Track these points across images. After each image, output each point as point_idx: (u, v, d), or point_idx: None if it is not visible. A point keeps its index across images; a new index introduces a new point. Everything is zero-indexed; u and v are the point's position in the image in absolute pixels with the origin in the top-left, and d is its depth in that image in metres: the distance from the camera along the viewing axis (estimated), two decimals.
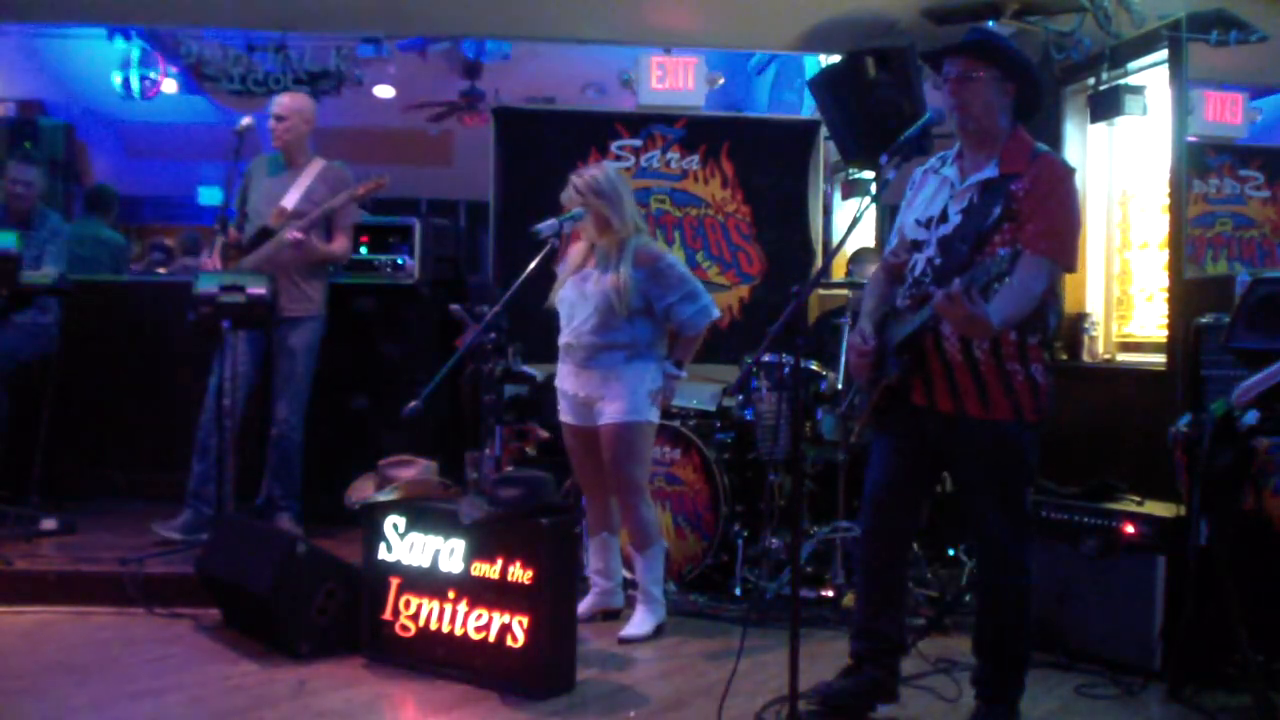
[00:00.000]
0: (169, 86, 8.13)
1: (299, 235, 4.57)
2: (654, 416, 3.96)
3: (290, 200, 4.71)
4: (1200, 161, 4.92)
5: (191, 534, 4.49)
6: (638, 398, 3.87)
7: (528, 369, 4.45)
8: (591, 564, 4.16)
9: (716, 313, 3.98)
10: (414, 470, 3.80)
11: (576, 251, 4.04)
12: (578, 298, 3.93)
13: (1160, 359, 4.56)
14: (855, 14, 5.53)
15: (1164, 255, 4.68)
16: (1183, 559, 3.39)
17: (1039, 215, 2.88)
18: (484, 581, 3.44)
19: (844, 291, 4.97)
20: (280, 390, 4.75)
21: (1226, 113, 4.96)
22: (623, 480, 3.95)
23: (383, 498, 3.71)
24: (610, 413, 3.88)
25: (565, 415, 4.04)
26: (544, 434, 4.51)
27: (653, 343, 3.94)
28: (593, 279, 3.91)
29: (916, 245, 3.09)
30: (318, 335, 4.82)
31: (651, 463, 4.48)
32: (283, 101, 4.83)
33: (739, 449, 4.70)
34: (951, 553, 4.69)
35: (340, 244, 4.80)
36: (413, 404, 3.67)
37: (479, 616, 3.45)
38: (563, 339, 3.99)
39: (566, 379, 3.99)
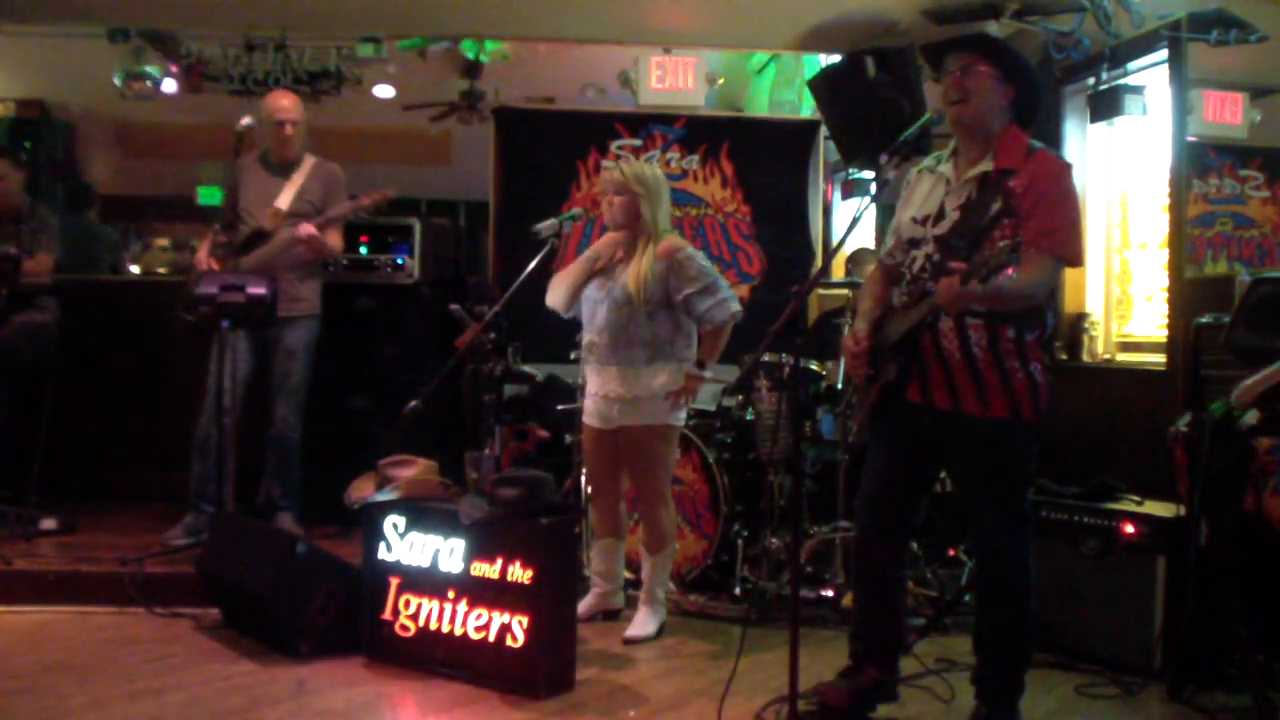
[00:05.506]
0: (169, 86, 8.12)
1: (313, 230, 4.56)
2: (675, 420, 3.91)
3: (284, 200, 4.69)
4: (1200, 161, 4.91)
5: (197, 536, 4.49)
6: (657, 401, 3.83)
7: (527, 369, 4.44)
8: (594, 565, 4.15)
9: (736, 307, 3.90)
10: (414, 470, 3.80)
11: (604, 242, 3.99)
12: (600, 295, 3.89)
13: (1160, 359, 4.55)
14: (855, 14, 5.52)
15: (1164, 255, 4.68)
16: (1183, 559, 3.39)
17: (1039, 212, 2.87)
18: (484, 581, 3.44)
19: (844, 291, 4.97)
20: (278, 390, 4.75)
21: (1226, 113, 4.95)
22: (642, 486, 3.95)
23: (383, 497, 3.71)
24: (630, 417, 3.85)
25: (588, 417, 4.01)
26: (544, 434, 4.50)
27: (673, 340, 3.88)
28: (615, 274, 3.88)
29: (914, 243, 3.08)
30: (314, 334, 4.82)
31: None
32: (284, 105, 4.76)
33: (739, 449, 4.70)
34: (951, 553, 4.69)
35: (335, 240, 4.81)
36: (413, 404, 3.67)
37: (479, 616, 3.45)
38: (586, 337, 3.97)
39: (590, 379, 3.96)
